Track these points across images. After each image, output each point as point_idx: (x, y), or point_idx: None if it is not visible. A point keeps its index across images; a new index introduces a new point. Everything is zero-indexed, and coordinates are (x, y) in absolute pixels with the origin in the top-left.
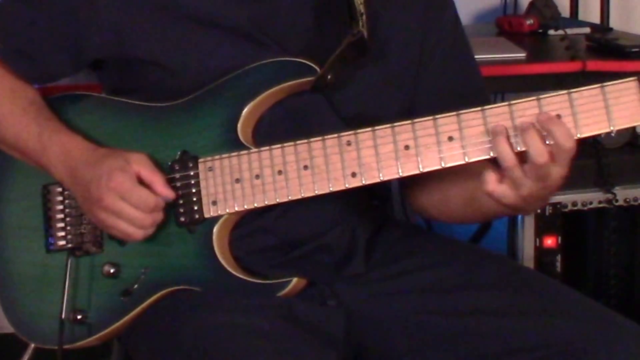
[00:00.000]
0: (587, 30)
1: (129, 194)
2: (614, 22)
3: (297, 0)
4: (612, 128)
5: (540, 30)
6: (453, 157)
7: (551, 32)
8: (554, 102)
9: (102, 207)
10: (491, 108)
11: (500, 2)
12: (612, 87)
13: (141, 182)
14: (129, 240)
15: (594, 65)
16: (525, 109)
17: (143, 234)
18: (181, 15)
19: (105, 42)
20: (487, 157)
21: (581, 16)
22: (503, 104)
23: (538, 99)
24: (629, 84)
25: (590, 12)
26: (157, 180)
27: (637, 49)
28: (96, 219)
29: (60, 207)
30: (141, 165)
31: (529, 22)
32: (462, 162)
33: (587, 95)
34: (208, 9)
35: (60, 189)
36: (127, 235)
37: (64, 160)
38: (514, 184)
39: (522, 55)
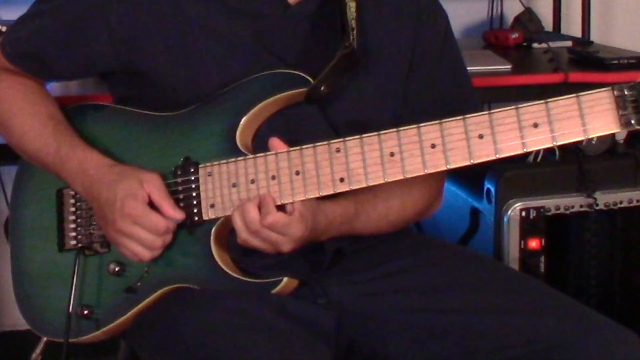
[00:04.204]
0: (569, 43)
1: (141, 219)
2: (595, 36)
3: (295, 13)
4: (586, 136)
5: (525, 44)
6: (435, 164)
7: (535, 45)
8: (532, 111)
9: (116, 229)
10: (472, 117)
11: (486, 17)
12: (587, 96)
13: (151, 203)
14: (137, 259)
15: (575, 76)
16: (504, 117)
17: (151, 255)
18: (189, 29)
19: (116, 55)
20: (468, 163)
21: (564, 30)
22: (483, 112)
23: (516, 109)
24: (604, 93)
25: (572, 26)
26: (166, 204)
27: (616, 62)
28: (109, 237)
29: (72, 209)
30: (152, 186)
31: (514, 35)
32: (444, 168)
33: (563, 105)
34: (215, 24)
35: (72, 193)
36: (136, 254)
37: (80, 176)
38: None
39: (507, 67)
